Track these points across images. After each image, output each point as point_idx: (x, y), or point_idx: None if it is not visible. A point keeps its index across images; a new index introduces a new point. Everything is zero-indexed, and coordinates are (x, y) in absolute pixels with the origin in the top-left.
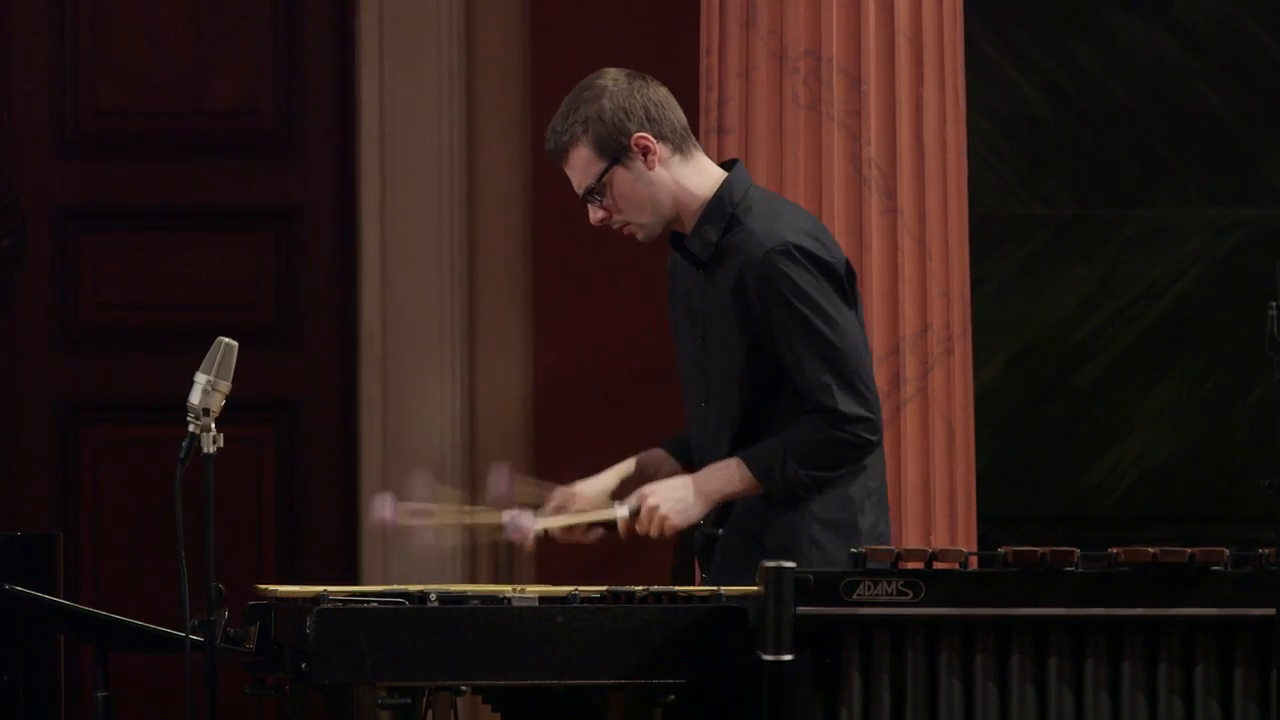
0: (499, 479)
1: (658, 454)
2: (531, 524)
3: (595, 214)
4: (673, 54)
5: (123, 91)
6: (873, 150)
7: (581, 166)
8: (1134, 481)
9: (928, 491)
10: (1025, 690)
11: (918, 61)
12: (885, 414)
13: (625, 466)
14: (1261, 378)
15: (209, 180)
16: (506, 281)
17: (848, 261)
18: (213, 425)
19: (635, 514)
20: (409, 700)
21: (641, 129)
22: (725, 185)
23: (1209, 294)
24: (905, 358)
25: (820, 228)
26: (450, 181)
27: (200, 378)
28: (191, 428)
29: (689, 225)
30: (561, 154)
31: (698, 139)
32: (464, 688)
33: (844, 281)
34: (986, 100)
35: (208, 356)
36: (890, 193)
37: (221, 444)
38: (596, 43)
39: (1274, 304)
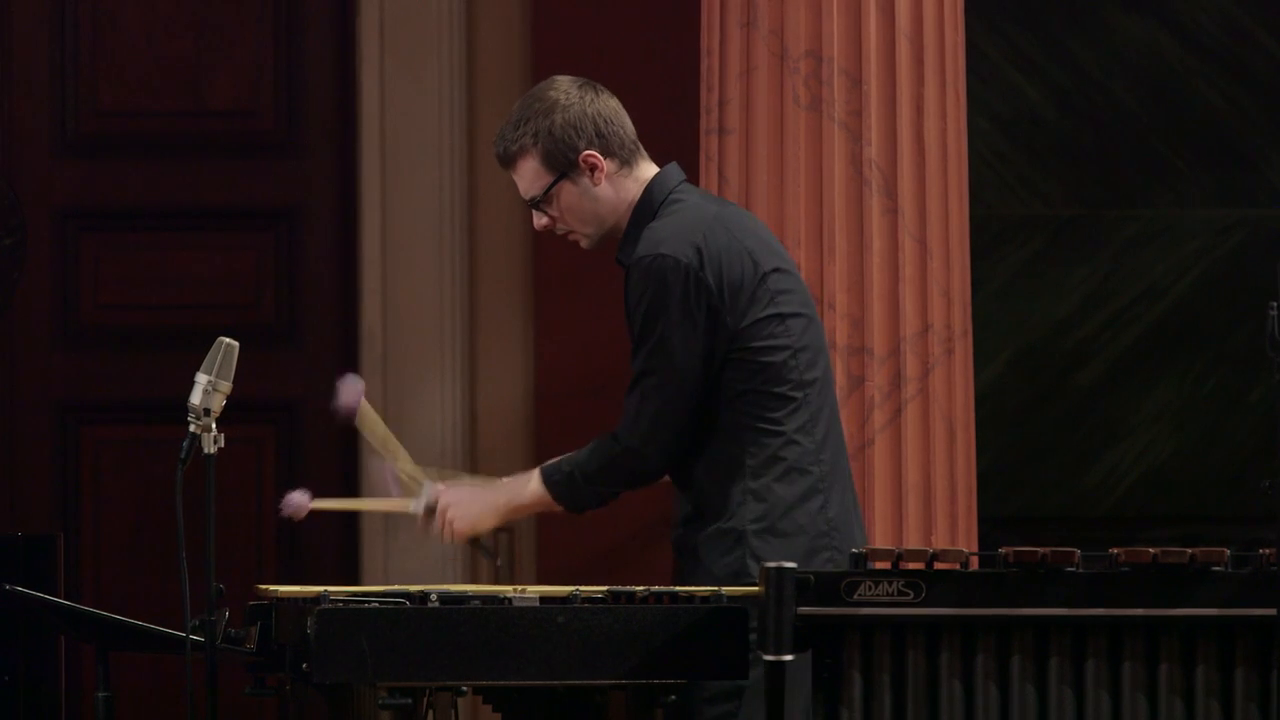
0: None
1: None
2: (307, 501)
3: (539, 221)
4: (673, 54)
5: (123, 91)
6: (873, 151)
7: (529, 177)
8: (1134, 482)
9: (928, 492)
10: (1026, 690)
11: (918, 62)
12: (886, 414)
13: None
14: (1261, 378)
15: (209, 180)
16: (506, 281)
17: (778, 267)
18: (213, 425)
19: (430, 511)
20: (410, 700)
21: (590, 146)
22: (645, 192)
23: (1209, 294)
24: (906, 358)
25: (719, 241)
26: (450, 181)
27: (201, 378)
28: (192, 428)
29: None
30: (509, 161)
31: (698, 139)
32: (465, 688)
33: (715, 297)
34: (987, 100)
35: (208, 356)
36: (891, 193)
37: (222, 444)
38: (596, 43)
39: (1274, 304)
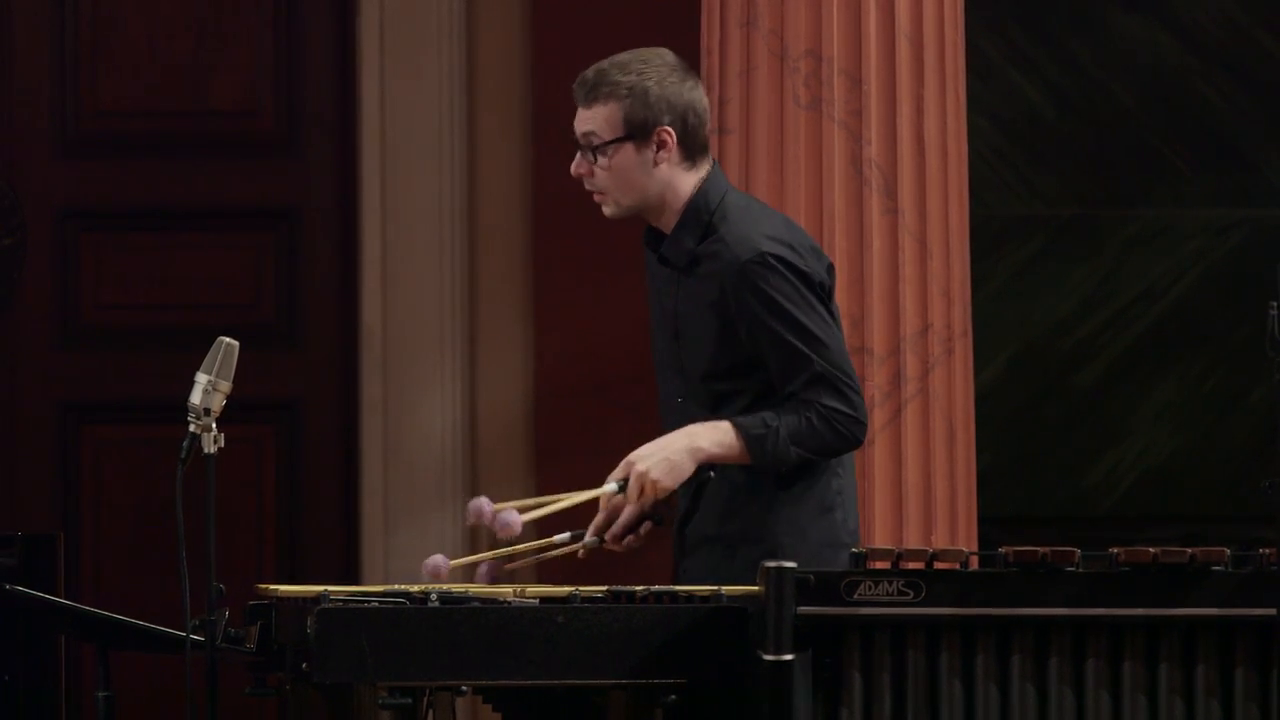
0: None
1: None
2: (519, 519)
3: (580, 167)
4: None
5: (123, 91)
6: (873, 150)
7: (600, 121)
8: (1134, 481)
9: (928, 491)
10: (1026, 690)
11: (918, 62)
12: (886, 414)
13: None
14: (1261, 378)
15: (209, 180)
16: (506, 281)
17: (829, 265)
18: (213, 425)
19: (623, 487)
20: (410, 700)
21: (672, 125)
22: (700, 192)
23: (1209, 294)
24: (906, 358)
25: (795, 232)
26: (450, 181)
27: (201, 378)
28: (192, 428)
29: (665, 223)
30: (590, 98)
31: None
32: (465, 688)
33: (821, 285)
34: (987, 100)
35: (208, 356)
36: (891, 193)
37: (222, 444)
38: (597, 43)
39: (1274, 304)
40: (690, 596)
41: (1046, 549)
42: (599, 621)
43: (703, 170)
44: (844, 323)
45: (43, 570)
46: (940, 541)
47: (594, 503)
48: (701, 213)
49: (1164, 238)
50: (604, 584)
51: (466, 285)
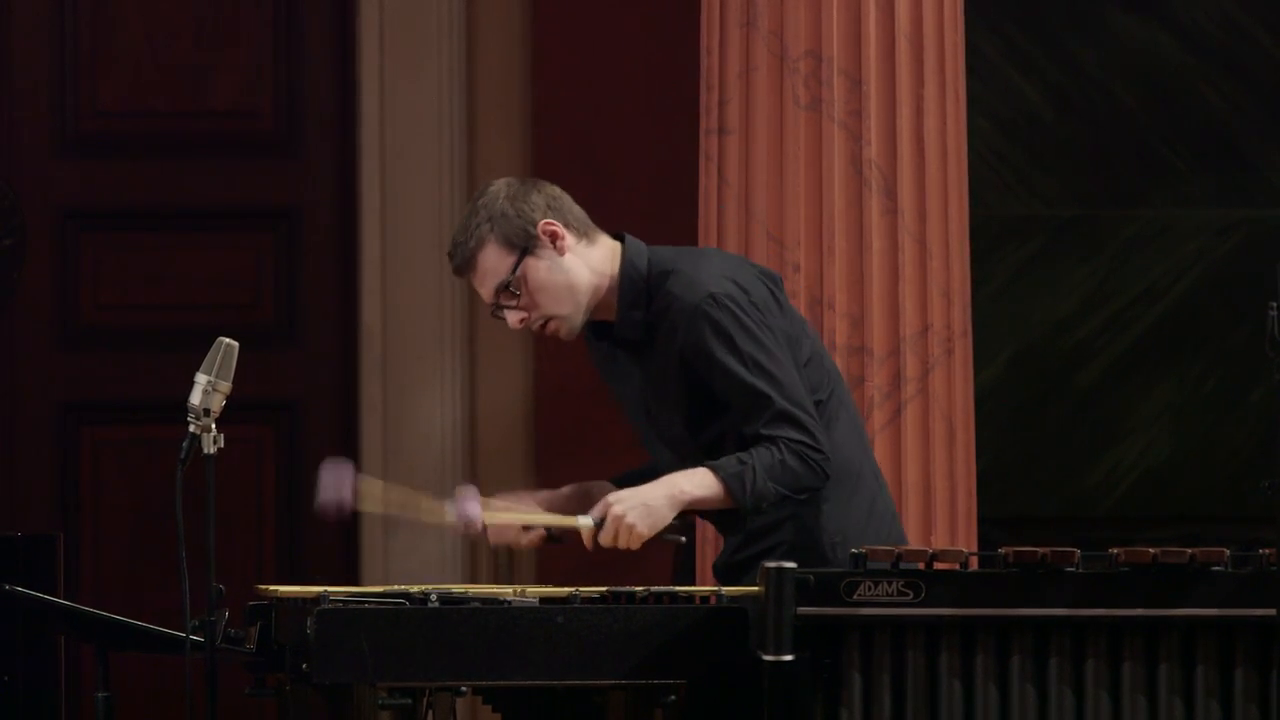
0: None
1: (602, 484)
2: (479, 512)
3: (513, 318)
4: (673, 54)
5: (123, 91)
6: (873, 151)
7: (493, 266)
8: (1134, 482)
9: (928, 492)
10: (1026, 690)
11: (918, 62)
12: (886, 414)
13: (565, 491)
14: (1261, 378)
15: (209, 180)
16: None
17: (777, 278)
18: (213, 425)
19: (599, 525)
20: (409, 700)
21: (546, 215)
22: (625, 264)
23: (1209, 294)
24: (906, 358)
25: (734, 266)
26: (450, 182)
27: (200, 378)
28: (192, 428)
29: (606, 308)
30: (470, 262)
31: (698, 139)
32: (464, 688)
33: (771, 309)
34: (986, 100)
35: (208, 357)
36: (891, 193)
37: (222, 444)
38: (596, 43)
39: (1274, 304)
40: (690, 597)
41: (1046, 549)
42: (599, 622)
43: (610, 246)
44: (844, 323)
45: (43, 570)
46: (940, 541)
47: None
48: (637, 281)
49: (1164, 238)
50: (604, 584)
51: (466, 285)
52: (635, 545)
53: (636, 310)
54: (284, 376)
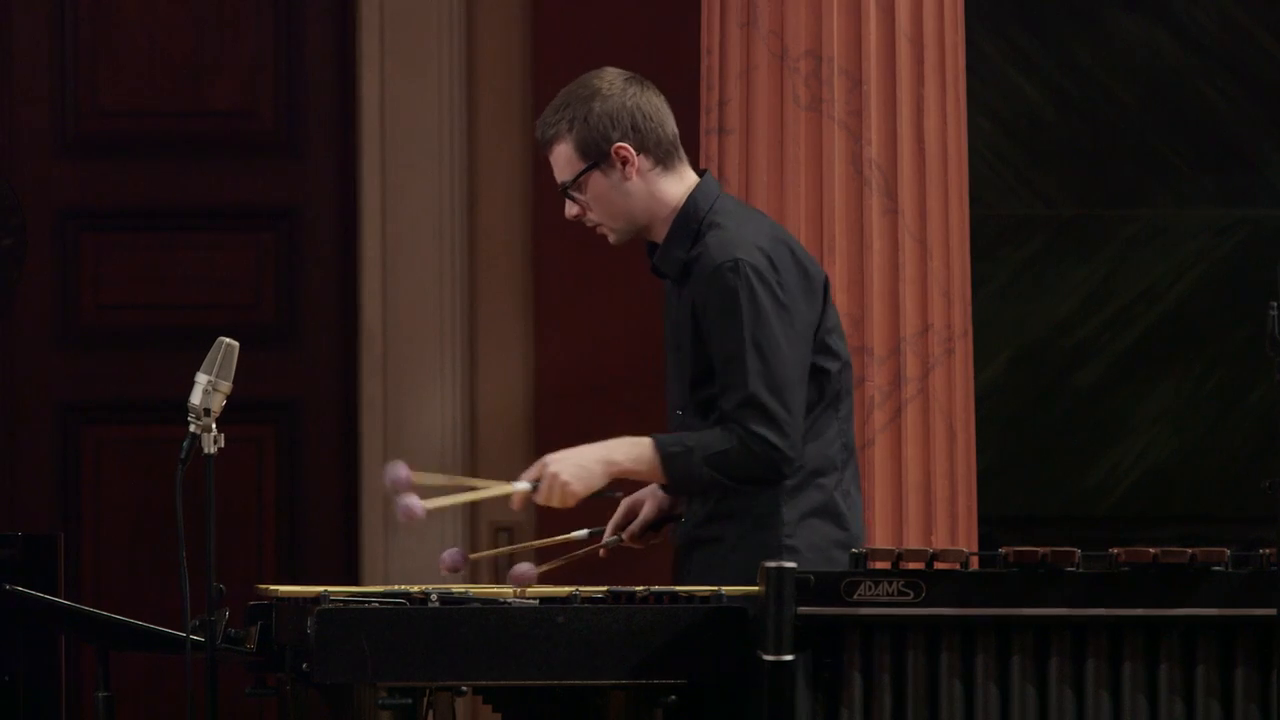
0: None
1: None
2: (421, 507)
3: (570, 209)
4: (673, 54)
5: (123, 91)
6: (873, 150)
7: (563, 162)
8: (1134, 482)
9: (928, 491)
10: (1026, 690)
11: (918, 62)
12: (886, 414)
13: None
14: (1261, 378)
15: (209, 180)
16: (506, 281)
17: (823, 277)
18: (213, 425)
19: (535, 486)
20: (410, 700)
21: (624, 139)
22: (689, 200)
23: (1209, 294)
24: (906, 358)
25: (779, 246)
26: (450, 181)
27: (201, 378)
28: (192, 428)
29: (659, 236)
30: (547, 145)
31: (698, 139)
32: (464, 688)
33: (795, 296)
34: (987, 100)
35: (208, 356)
36: (891, 193)
37: (222, 444)
38: (596, 43)
39: (1274, 304)
40: (690, 596)
41: (1046, 549)
42: (599, 622)
43: (688, 177)
44: (844, 323)
45: (43, 570)
46: (940, 541)
47: (586, 501)
48: (690, 221)
49: (1164, 238)
50: (604, 584)
51: (466, 285)
52: (570, 504)
53: (679, 250)
54: (284, 376)
